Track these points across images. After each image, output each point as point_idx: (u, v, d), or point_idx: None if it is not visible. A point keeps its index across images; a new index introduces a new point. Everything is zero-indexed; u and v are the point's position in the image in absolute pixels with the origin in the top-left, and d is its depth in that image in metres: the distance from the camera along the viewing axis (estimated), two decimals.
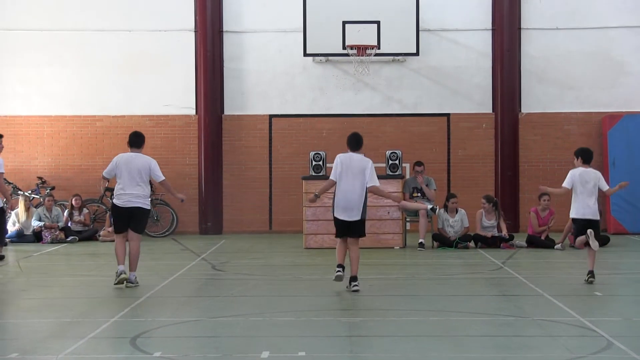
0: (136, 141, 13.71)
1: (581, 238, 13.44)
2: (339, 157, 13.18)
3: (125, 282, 13.11)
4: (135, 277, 13.30)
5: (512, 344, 9.57)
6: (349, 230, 13.03)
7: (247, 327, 10.45)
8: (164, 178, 13.66)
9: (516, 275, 14.44)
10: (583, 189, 13.46)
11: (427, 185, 19.08)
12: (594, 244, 13.16)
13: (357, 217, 12.99)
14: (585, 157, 13.66)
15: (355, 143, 13.20)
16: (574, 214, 13.63)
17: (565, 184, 13.64)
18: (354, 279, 12.90)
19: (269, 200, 22.10)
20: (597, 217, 13.62)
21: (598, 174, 13.67)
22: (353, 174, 13.01)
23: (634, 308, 11.63)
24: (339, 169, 13.08)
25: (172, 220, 21.33)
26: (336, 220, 13.13)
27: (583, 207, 13.44)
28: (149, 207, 13.59)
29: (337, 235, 13.21)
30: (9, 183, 20.40)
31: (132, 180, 13.29)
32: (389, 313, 11.30)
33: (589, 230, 13.26)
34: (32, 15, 21.94)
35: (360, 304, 12.08)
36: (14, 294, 12.97)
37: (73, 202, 20.69)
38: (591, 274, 13.24)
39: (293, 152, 21.82)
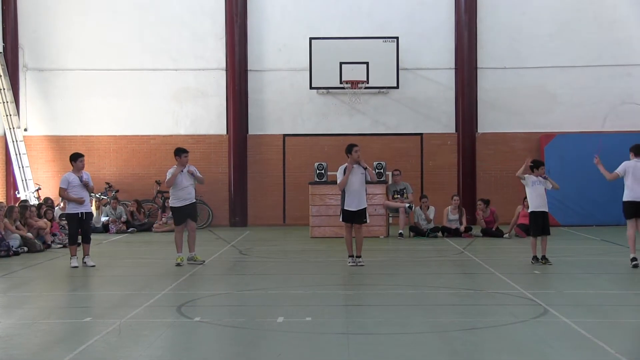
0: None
1: None
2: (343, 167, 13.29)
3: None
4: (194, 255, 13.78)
5: (471, 311, 9.58)
6: (353, 217, 13.09)
7: (266, 298, 10.46)
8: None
9: (474, 258, 14.43)
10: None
11: (404, 189, 19.09)
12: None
13: (363, 206, 13.16)
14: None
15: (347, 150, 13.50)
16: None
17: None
18: (359, 256, 13.26)
19: (283, 200, 22.07)
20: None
21: None
22: (357, 176, 13.13)
23: (564, 283, 11.63)
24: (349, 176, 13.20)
25: (209, 215, 21.33)
26: (346, 211, 13.17)
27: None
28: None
29: (346, 222, 13.30)
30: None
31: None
32: (376, 287, 11.31)
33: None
34: (102, 58, 21.94)
35: (353, 280, 12.08)
36: (88, 272, 12.98)
37: (131, 206, 20.85)
38: (544, 258, 13.21)
39: (302, 163, 21.79)
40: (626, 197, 12.86)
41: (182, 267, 13.17)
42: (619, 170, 12.95)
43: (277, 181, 22.03)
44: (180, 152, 13.76)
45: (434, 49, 21.94)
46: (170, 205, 14.01)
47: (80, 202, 13.47)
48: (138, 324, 8.68)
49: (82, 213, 13.49)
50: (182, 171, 13.53)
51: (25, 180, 21.07)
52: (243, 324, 8.69)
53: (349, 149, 13.36)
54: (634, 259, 12.63)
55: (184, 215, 13.60)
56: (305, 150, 21.89)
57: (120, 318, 8.87)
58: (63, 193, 13.59)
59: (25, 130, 21.80)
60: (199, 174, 13.80)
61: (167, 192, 20.94)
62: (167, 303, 9.92)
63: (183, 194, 13.55)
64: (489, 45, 21.90)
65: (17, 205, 17.20)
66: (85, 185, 13.54)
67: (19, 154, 21.13)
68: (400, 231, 18.32)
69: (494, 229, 18.43)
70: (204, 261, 13.63)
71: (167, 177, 13.67)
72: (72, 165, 13.77)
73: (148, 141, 22.09)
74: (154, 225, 20.60)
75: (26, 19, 21.98)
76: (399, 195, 18.95)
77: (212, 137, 22.06)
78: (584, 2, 21.82)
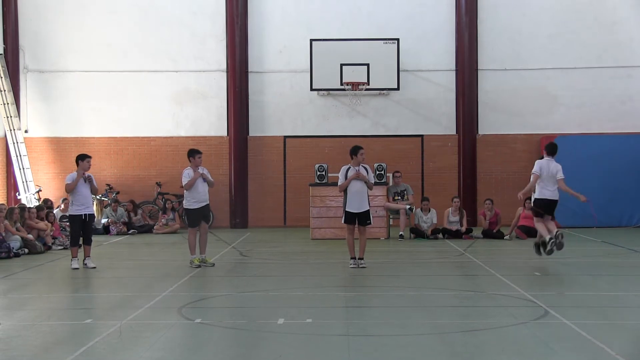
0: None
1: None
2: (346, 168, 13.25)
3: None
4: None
5: (472, 313, 9.58)
6: (356, 219, 13.08)
7: (267, 300, 10.47)
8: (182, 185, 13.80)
9: (474, 260, 14.43)
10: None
11: (405, 191, 19.10)
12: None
13: (366, 208, 13.11)
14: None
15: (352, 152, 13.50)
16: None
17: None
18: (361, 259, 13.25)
19: (283, 201, 22.06)
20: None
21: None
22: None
23: (565, 284, 11.64)
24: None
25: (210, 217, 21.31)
26: (348, 213, 13.13)
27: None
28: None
29: (348, 223, 13.26)
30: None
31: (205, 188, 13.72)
32: (377, 289, 11.31)
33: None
34: (103, 60, 21.93)
35: (354, 281, 12.08)
36: (89, 273, 12.99)
37: (127, 207, 20.81)
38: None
39: (302, 165, 21.78)
40: (538, 195, 13.17)
41: (182, 269, 13.17)
42: (535, 170, 13.20)
43: (278, 183, 22.03)
44: (194, 153, 13.75)
45: (435, 50, 21.95)
46: (186, 207, 13.77)
47: (85, 198, 13.49)
48: (139, 325, 8.68)
49: (85, 214, 13.51)
50: (201, 174, 13.50)
51: (26, 181, 21.09)
52: (244, 325, 8.69)
53: (355, 150, 13.32)
54: (550, 238, 12.80)
55: (200, 217, 13.62)
56: (305, 152, 21.89)
57: (121, 320, 8.88)
58: (70, 187, 13.55)
59: (26, 131, 21.81)
60: (210, 178, 13.79)
61: (168, 193, 21.21)
62: (168, 305, 9.92)
63: (200, 196, 13.56)
64: (489, 47, 21.91)
65: (16, 206, 17.21)
66: (88, 183, 13.57)
67: (20, 155, 21.15)
68: (400, 233, 18.32)
69: (495, 231, 18.45)
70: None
71: (185, 181, 13.51)
72: (78, 165, 13.76)
73: (149, 143, 22.10)
74: (155, 227, 20.61)
75: (27, 21, 21.99)
76: (399, 197, 18.96)
77: (213, 138, 22.05)
78: (584, 3, 21.83)
